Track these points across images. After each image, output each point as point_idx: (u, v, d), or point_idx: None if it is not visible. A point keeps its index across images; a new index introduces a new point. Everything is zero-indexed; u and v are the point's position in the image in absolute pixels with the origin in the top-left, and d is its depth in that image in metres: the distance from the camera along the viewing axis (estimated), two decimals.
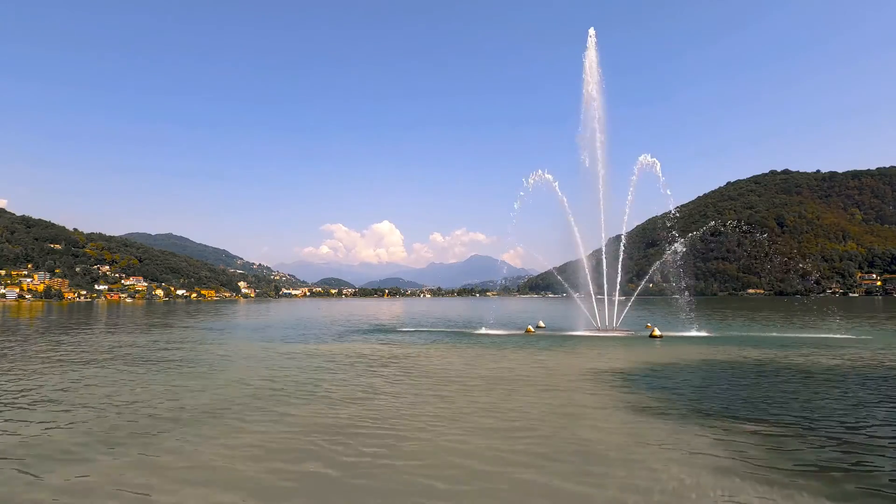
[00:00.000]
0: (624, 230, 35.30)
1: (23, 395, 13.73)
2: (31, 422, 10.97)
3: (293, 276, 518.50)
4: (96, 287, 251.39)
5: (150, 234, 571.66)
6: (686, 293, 36.70)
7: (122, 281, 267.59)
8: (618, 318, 34.33)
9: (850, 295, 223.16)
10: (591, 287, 35.02)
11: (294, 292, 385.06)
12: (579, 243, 35.41)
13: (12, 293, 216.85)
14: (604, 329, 33.39)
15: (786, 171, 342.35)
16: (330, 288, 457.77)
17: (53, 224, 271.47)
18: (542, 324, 39.29)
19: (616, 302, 34.57)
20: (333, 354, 22.85)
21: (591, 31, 36.53)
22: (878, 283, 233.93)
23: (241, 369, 18.51)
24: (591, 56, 36.20)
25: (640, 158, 34.53)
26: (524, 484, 7.36)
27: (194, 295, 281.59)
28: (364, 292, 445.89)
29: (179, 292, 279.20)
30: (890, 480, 7.34)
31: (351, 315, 67.07)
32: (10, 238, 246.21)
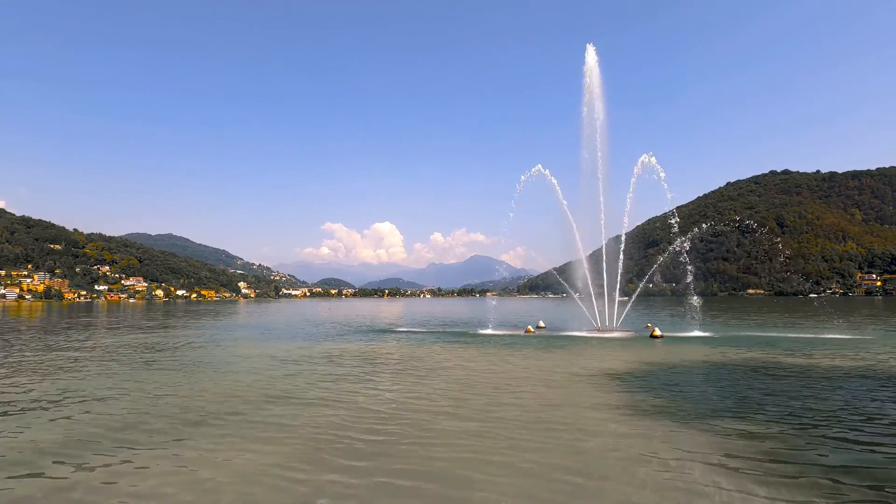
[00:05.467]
0: (624, 230, 35.28)
1: (24, 396, 13.70)
2: (33, 422, 10.94)
3: (293, 277, 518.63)
4: (96, 287, 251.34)
5: (150, 235, 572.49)
6: (692, 293, 36.71)
7: (122, 281, 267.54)
8: (618, 318, 34.27)
9: (850, 295, 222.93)
10: (591, 287, 34.98)
11: (294, 293, 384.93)
12: (579, 243, 35.42)
13: (12, 293, 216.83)
14: (604, 329, 33.33)
15: (786, 171, 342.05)
16: (330, 288, 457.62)
17: (53, 224, 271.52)
18: (541, 324, 39.24)
19: (616, 302, 34.53)
20: (334, 354, 22.79)
21: (590, 49, 36.32)
22: (878, 283, 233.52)
23: (244, 370, 18.46)
24: (590, 66, 36.06)
25: (641, 159, 34.53)
26: (521, 484, 7.32)
27: (194, 295, 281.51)
28: (364, 293, 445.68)
29: (179, 293, 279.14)
30: (892, 480, 7.31)
31: (352, 315, 67.04)
32: (10, 238, 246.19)
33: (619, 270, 34.35)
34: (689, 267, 34.87)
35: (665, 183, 33.64)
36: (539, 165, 35.28)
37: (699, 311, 37.08)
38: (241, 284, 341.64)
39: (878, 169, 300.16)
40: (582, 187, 36.74)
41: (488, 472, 7.81)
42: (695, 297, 36.55)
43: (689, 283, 35.79)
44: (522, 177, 35.30)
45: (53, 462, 8.38)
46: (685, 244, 34.52)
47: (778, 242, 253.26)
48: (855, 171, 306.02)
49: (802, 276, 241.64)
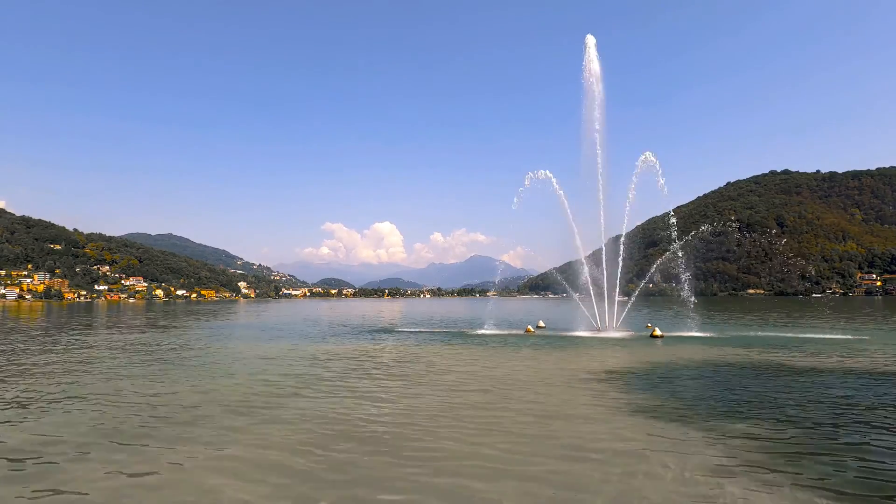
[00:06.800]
0: (624, 230, 35.25)
1: (29, 395, 13.69)
2: (29, 422, 10.93)
3: (293, 277, 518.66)
4: (96, 287, 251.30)
5: (150, 235, 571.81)
6: (689, 293, 36.74)
7: (122, 281, 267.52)
8: (618, 318, 34.27)
9: (850, 295, 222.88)
10: (591, 287, 34.96)
11: (294, 293, 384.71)
12: (579, 243, 35.39)
13: (12, 293, 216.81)
14: (604, 329, 33.33)
15: (786, 171, 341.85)
16: (330, 288, 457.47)
17: (53, 224, 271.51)
18: (541, 324, 39.23)
19: (616, 302, 34.51)
20: (332, 354, 22.78)
21: (590, 40, 36.35)
22: (878, 283, 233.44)
23: (241, 371, 18.45)
24: (590, 61, 36.07)
25: (641, 158, 34.51)
26: (520, 485, 7.31)
27: (194, 295, 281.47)
28: (364, 292, 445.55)
29: (179, 293, 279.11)
30: (891, 480, 7.30)
31: (351, 315, 67.02)
32: (10, 238, 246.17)
33: (619, 270, 34.33)
34: (683, 268, 34.96)
35: (664, 186, 33.67)
36: (541, 171, 35.14)
37: (694, 310, 37.18)
38: (241, 284, 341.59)
39: (878, 169, 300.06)
40: (582, 187, 36.70)
41: (488, 472, 7.80)
42: (689, 297, 36.63)
43: (685, 285, 35.83)
44: (525, 182, 35.22)
45: (52, 462, 8.37)
46: (679, 251, 34.65)
47: (778, 242, 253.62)
48: (855, 171, 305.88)
49: (802, 276, 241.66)
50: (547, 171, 35.19)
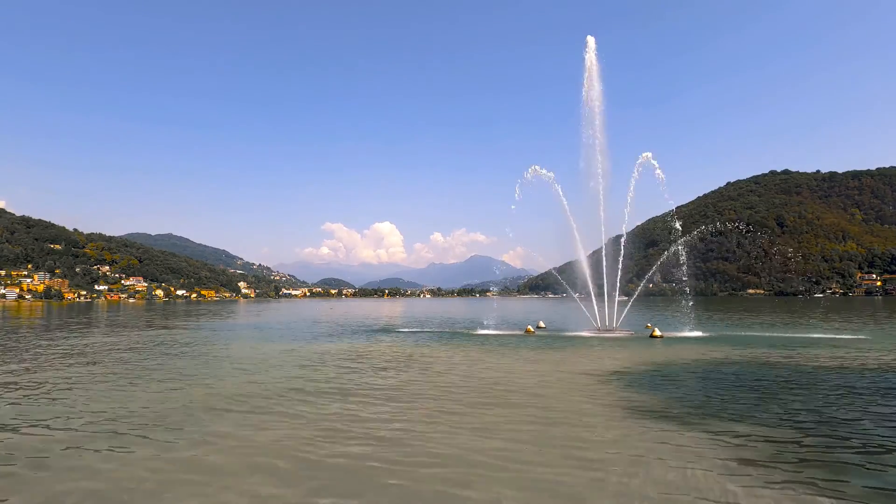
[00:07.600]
0: (624, 230, 35.25)
1: (27, 394, 13.68)
2: (36, 419, 10.92)
3: (293, 277, 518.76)
4: (96, 287, 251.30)
5: (150, 235, 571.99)
6: (687, 292, 36.80)
7: (122, 281, 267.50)
8: (618, 318, 34.25)
9: (850, 295, 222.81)
10: (591, 287, 34.95)
11: (294, 292, 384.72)
12: (579, 243, 35.39)
13: (12, 293, 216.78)
14: (604, 329, 33.31)
15: (786, 171, 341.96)
16: (330, 288, 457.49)
17: (53, 224, 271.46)
18: (542, 324, 39.21)
19: (616, 302, 34.50)
20: (332, 355, 22.76)
21: (590, 40, 36.40)
22: (878, 283, 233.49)
23: (240, 371, 18.43)
24: (590, 60, 36.09)
25: (640, 158, 34.51)
26: (520, 485, 7.29)
27: (194, 295, 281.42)
28: (364, 292, 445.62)
29: (179, 293, 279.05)
30: (891, 480, 7.28)
31: (351, 315, 67.01)
32: (10, 238, 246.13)
33: (619, 270, 34.32)
34: (684, 268, 35.03)
35: (664, 186, 33.73)
36: (535, 166, 35.12)
37: (693, 310, 37.32)
38: (241, 284, 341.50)
39: (878, 169, 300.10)
40: (582, 187, 36.70)
41: (486, 474, 7.78)
42: (683, 294, 36.79)
43: (685, 284, 35.89)
44: (525, 177, 35.17)
45: (48, 462, 8.36)
46: (682, 250, 34.73)
47: (778, 243, 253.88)
48: (855, 171, 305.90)
49: (802, 276, 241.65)
50: (548, 172, 35.22)
